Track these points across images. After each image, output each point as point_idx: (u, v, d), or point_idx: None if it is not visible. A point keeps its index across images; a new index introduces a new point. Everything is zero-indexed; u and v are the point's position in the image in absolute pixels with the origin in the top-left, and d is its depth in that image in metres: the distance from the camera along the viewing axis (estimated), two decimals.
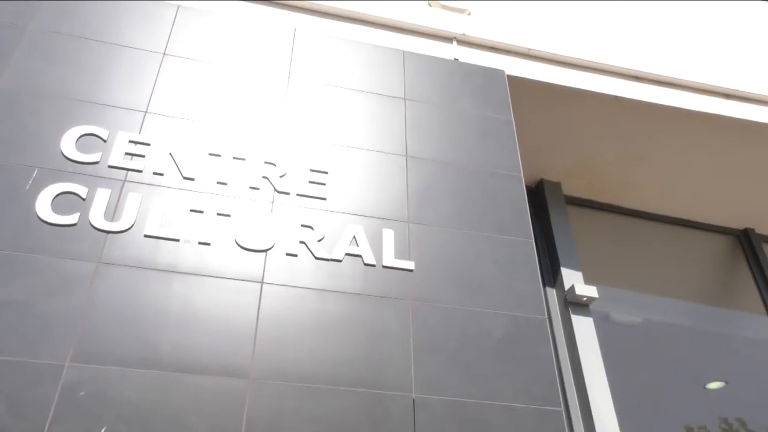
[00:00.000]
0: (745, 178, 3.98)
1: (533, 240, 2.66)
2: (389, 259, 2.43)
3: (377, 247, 2.44)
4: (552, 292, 3.54)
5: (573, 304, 3.43)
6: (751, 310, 4.15)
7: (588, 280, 3.59)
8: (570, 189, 4.01)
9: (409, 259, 2.46)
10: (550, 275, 3.61)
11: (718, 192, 4.09)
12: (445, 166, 2.78)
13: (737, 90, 3.66)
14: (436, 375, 2.20)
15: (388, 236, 2.48)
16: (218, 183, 2.43)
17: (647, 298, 4.22)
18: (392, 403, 2.09)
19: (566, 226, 3.79)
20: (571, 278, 3.53)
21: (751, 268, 4.23)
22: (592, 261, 3.79)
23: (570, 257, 3.64)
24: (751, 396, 4.11)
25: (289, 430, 1.96)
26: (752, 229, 4.34)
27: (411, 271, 2.43)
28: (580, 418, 3.10)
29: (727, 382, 4.15)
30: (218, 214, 2.35)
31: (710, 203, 4.19)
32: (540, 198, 3.91)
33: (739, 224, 4.35)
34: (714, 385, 4.22)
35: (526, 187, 3.97)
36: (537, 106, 3.53)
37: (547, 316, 2.47)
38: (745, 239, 4.33)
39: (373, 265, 2.39)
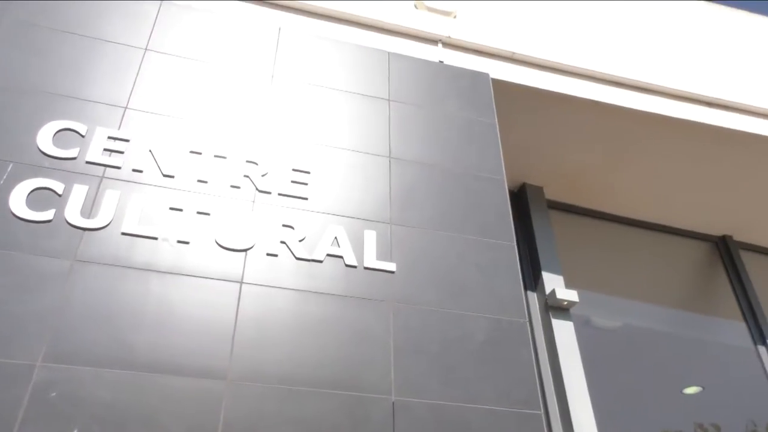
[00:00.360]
0: (724, 185, 4.02)
1: (515, 243, 2.66)
2: (371, 260, 2.41)
3: (359, 249, 2.42)
4: (533, 296, 3.55)
5: (554, 308, 3.44)
6: (727, 316, 4.20)
7: (569, 285, 3.60)
8: (552, 193, 4.03)
9: (390, 260, 2.44)
10: (532, 279, 3.61)
11: (698, 199, 4.13)
12: (429, 168, 2.77)
13: (719, 98, 3.70)
14: (416, 378, 2.18)
15: (370, 237, 2.46)
16: (198, 181, 2.39)
17: (627, 303, 4.24)
18: (372, 406, 2.07)
19: (548, 231, 3.80)
20: (552, 282, 3.54)
21: (728, 275, 4.28)
22: (573, 265, 3.80)
23: (551, 261, 3.65)
24: (727, 401, 4.15)
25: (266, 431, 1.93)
26: (730, 236, 4.39)
27: (393, 272, 2.41)
28: (560, 422, 3.10)
29: (703, 388, 4.19)
30: (198, 213, 2.31)
31: (690, 210, 4.23)
32: (522, 202, 3.92)
33: (717, 231, 4.40)
34: (691, 390, 4.25)
35: (509, 190, 3.99)
36: (520, 110, 3.54)
37: (528, 320, 2.47)
38: (723, 246, 4.37)
39: (355, 267, 2.37)
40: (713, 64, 3.96)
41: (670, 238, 4.34)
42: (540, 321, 3.44)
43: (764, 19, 4.48)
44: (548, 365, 3.28)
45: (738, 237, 4.40)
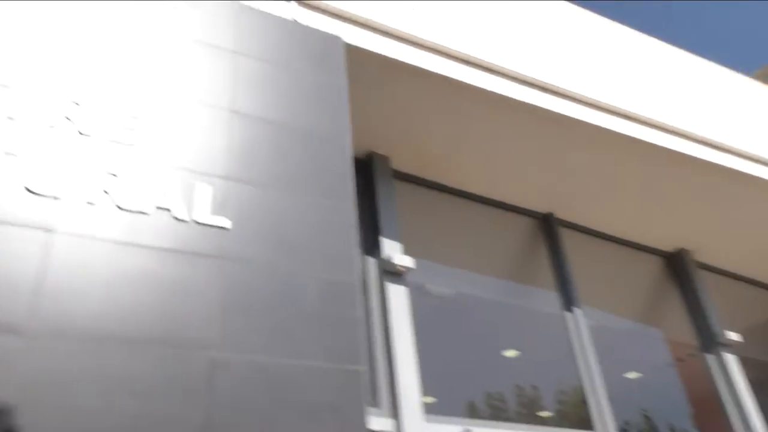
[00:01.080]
0: (551, 166, 4.37)
1: (353, 206, 2.69)
2: (203, 215, 2.32)
3: (191, 202, 2.31)
4: (371, 261, 3.63)
5: (389, 272, 3.55)
6: (544, 287, 4.60)
7: (407, 252, 3.73)
8: (398, 164, 4.13)
9: (225, 216, 2.36)
10: (371, 244, 3.69)
11: (528, 177, 4.45)
12: (273, 125, 2.71)
13: (553, 85, 3.97)
14: (243, 335, 2.15)
15: (205, 192, 2.36)
16: (7, 118, 2.13)
17: (460, 272, 4.50)
18: (191, 362, 2.01)
19: (391, 199, 3.90)
20: (390, 248, 3.65)
21: (548, 249, 4.68)
22: (413, 234, 3.95)
23: (391, 229, 3.75)
24: (541, 364, 4.58)
25: (72, 390, 1.80)
26: (552, 214, 4.78)
27: (226, 229, 2.34)
28: (386, 381, 3.23)
29: (521, 351, 4.58)
30: (5, 153, 2.07)
31: (519, 187, 4.54)
32: (368, 170, 3.98)
33: (542, 208, 4.78)
34: (510, 354, 4.64)
35: (356, 158, 4.02)
36: (372, 79, 3.57)
37: (361, 282, 2.52)
38: (545, 222, 4.76)
39: (185, 221, 2.27)
40: (551, 53, 4.23)
41: (501, 213, 4.65)
42: (375, 284, 3.54)
43: (611, 24, 4.87)
44: (379, 327, 3.39)
45: (559, 215, 4.81)
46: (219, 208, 2.37)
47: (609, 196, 4.71)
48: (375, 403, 3.20)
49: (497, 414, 4.15)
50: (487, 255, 4.62)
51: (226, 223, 2.35)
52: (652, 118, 4.29)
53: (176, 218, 2.26)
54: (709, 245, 5.33)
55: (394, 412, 3.15)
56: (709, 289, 5.26)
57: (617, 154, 4.33)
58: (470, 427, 3.32)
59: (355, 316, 2.39)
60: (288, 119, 2.77)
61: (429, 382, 3.79)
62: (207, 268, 2.22)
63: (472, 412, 4.04)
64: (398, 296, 3.51)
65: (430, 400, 3.97)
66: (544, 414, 4.47)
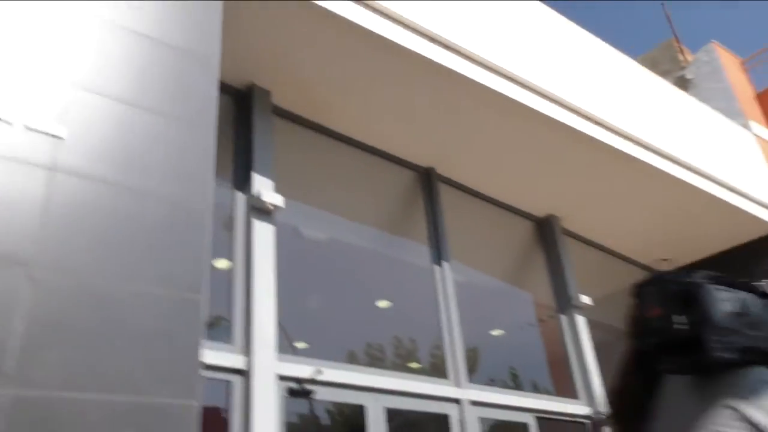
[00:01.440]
0: (436, 120, 4.35)
1: (214, 130, 2.52)
2: (36, 121, 2.08)
3: (22, 105, 2.07)
4: (239, 195, 3.49)
5: (257, 209, 3.42)
6: (417, 240, 4.65)
7: (281, 191, 3.60)
8: (280, 100, 3.96)
9: (61, 124, 2.14)
10: (242, 179, 3.54)
11: (412, 129, 4.41)
12: (132, 35, 2.47)
13: (444, 38, 3.90)
14: (68, 253, 1.97)
15: (37, 95, 2.12)
16: None
17: (336, 218, 4.45)
18: (6, 277, 1.82)
19: (268, 135, 3.74)
20: (261, 185, 3.51)
21: (425, 203, 4.71)
22: (289, 174, 3.82)
23: (265, 165, 3.61)
24: (411, 316, 4.67)
25: None
26: (433, 169, 4.81)
27: (61, 138, 2.12)
28: (241, 319, 3.14)
29: (393, 302, 4.64)
30: None
31: (403, 138, 4.51)
32: (247, 101, 3.78)
33: (424, 162, 4.79)
34: (383, 304, 4.69)
35: (235, 88, 3.83)
36: (258, 5, 3.35)
37: (211, 209, 2.37)
38: (426, 177, 4.79)
39: (10, 123, 2.03)
40: (451, 9, 4.13)
41: (383, 163, 4.61)
42: (242, 220, 3.41)
43: None
44: (241, 264, 3.28)
45: (440, 170, 4.84)
46: (57, 116, 2.14)
47: (490, 158, 4.80)
48: (228, 339, 3.11)
49: (374, 363, 4.19)
50: (364, 203, 4.60)
51: (62, 132, 2.13)
52: (539, 86, 4.37)
53: (0, 119, 2.01)
54: (577, 214, 5.62)
55: (247, 350, 3.08)
56: (572, 255, 5.56)
57: (502, 117, 4.39)
58: (323, 368, 3.32)
59: (201, 243, 2.27)
60: (150, 31, 2.54)
61: (301, 327, 3.76)
62: (33, 177, 2.01)
63: (352, 360, 4.06)
64: (264, 234, 3.40)
65: (302, 345, 3.95)
66: (414, 365, 4.58)
